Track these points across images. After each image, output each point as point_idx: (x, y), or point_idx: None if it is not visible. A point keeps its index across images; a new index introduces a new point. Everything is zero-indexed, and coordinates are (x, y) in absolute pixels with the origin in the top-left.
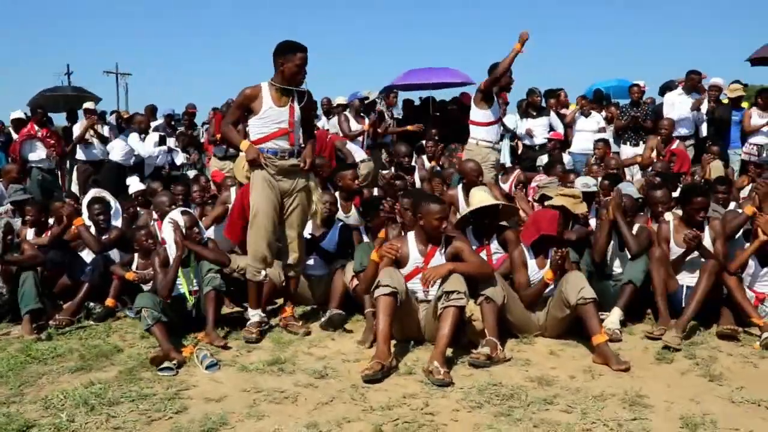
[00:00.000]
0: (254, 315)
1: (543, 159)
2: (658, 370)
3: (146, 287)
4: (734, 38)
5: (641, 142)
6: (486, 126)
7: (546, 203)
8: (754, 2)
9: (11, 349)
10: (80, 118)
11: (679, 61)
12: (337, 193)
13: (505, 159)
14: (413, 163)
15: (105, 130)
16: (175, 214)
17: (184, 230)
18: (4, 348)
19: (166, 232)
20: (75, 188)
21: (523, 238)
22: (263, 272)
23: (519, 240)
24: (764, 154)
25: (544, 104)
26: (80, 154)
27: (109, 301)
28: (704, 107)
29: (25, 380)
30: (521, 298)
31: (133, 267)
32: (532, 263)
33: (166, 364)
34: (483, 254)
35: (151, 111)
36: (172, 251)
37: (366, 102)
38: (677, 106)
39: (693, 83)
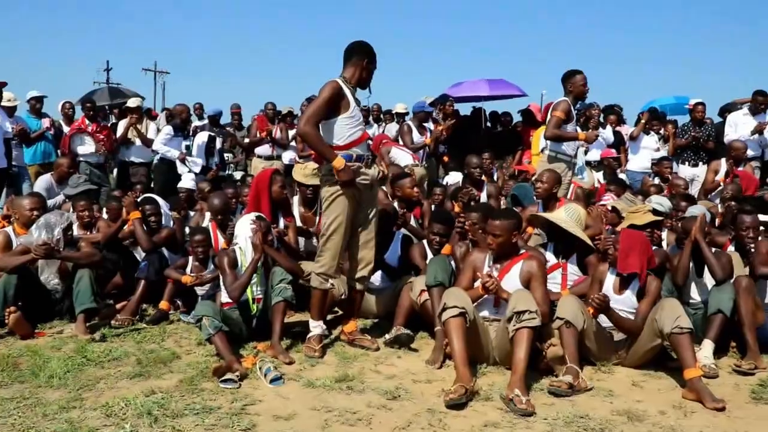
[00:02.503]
0: (316, 327)
1: (597, 176)
2: (757, 410)
3: (200, 291)
4: None
5: (700, 163)
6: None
7: (627, 225)
8: None
9: (66, 349)
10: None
11: (736, 80)
12: (395, 204)
13: (582, 174)
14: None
15: (151, 129)
16: (250, 218)
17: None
18: (59, 347)
19: (240, 233)
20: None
21: (625, 266)
22: (330, 281)
23: (598, 266)
24: None
25: (602, 119)
26: (123, 155)
27: (163, 304)
28: None
29: (84, 384)
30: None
31: (187, 270)
32: (608, 286)
33: (228, 375)
34: (558, 272)
35: (200, 109)
36: (248, 253)
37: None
38: (740, 127)
39: (757, 104)
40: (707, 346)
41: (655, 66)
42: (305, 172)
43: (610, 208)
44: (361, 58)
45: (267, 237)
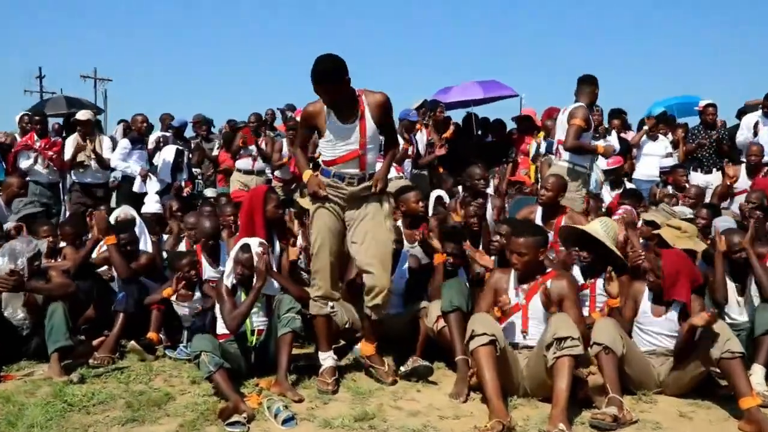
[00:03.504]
0: (326, 359)
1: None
2: None
3: (181, 310)
4: None
5: (714, 170)
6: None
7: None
8: None
9: (42, 393)
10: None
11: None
12: (399, 222)
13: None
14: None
15: (106, 145)
16: (253, 242)
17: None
18: (33, 392)
19: (233, 258)
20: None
21: (673, 293)
22: (330, 304)
23: (631, 284)
24: None
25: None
26: (78, 177)
27: (152, 335)
28: None
29: None
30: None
31: (173, 297)
32: (645, 307)
33: (235, 417)
34: (586, 293)
35: (169, 121)
36: (232, 278)
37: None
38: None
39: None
40: (758, 372)
41: (661, 65)
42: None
43: (642, 221)
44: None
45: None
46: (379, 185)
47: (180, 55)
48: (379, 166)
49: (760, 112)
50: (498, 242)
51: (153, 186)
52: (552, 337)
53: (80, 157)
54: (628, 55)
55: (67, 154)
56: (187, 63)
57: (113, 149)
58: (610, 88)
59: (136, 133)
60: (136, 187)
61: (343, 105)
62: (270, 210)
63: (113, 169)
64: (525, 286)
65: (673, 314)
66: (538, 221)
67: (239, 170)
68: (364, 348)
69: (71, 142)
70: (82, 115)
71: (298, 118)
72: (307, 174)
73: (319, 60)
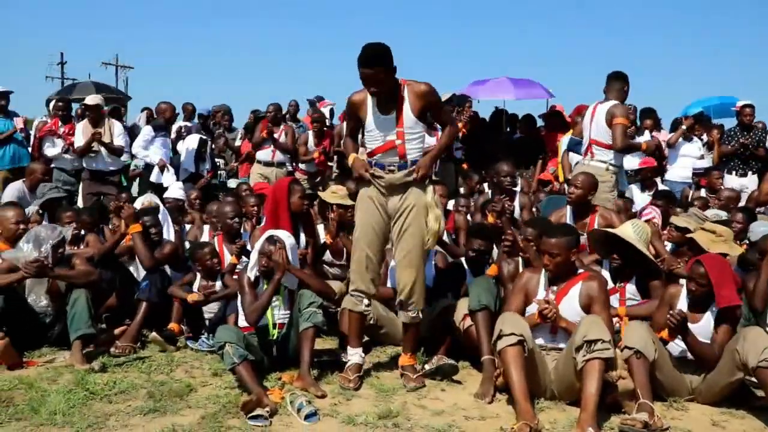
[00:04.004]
0: (354, 355)
1: (632, 188)
2: None
3: (208, 313)
4: None
5: (750, 173)
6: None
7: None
8: None
9: (64, 381)
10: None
11: None
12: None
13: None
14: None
15: (117, 130)
16: (280, 233)
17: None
18: (55, 379)
19: (256, 248)
20: (80, 202)
21: (724, 299)
22: (365, 301)
23: (665, 288)
24: None
25: (638, 124)
26: (87, 164)
27: (173, 326)
28: None
29: (92, 421)
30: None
31: (194, 287)
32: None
33: (258, 411)
34: (616, 297)
35: (192, 111)
36: (257, 270)
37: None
38: None
39: None
40: None
41: (697, 64)
42: (341, 193)
43: (658, 222)
44: None
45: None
46: (420, 172)
47: (203, 44)
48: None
49: None
50: (524, 243)
51: (169, 178)
52: (582, 339)
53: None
54: (661, 54)
55: (78, 141)
56: (211, 52)
57: (126, 136)
58: (641, 87)
59: (162, 119)
60: (153, 177)
61: (386, 93)
62: (294, 202)
63: (134, 157)
64: (555, 288)
65: (709, 319)
66: (569, 222)
67: (259, 162)
68: (401, 359)
69: (81, 129)
70: (91, 99)
71: (323, 109)
72: (352, 157)
73: (368, 45)
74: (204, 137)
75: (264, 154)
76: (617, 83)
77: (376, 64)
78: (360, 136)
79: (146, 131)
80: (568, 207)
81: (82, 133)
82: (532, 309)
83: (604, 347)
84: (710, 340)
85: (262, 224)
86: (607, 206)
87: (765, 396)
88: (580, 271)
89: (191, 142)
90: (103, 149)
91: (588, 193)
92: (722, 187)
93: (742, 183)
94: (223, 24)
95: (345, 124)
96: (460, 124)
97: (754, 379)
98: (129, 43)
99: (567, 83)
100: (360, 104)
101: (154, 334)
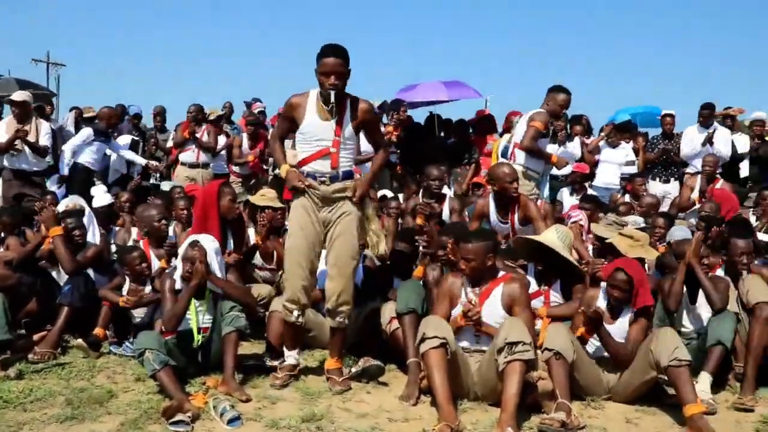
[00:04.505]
0: (289, 357)
1: (562, 191)
2: None
3: (136, 316)
4: None
5: (672, 179)
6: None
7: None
8: None
9: None
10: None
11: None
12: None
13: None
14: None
15: (44, 130)
16: (204, 238)
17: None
18: None
19: (180, 255)
20: None
21: (640, 300)
22: (296, 313)
23: (584, 292)
24: None
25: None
26: (10, 162)
27: (99, 331)
28: (744, 144)
29: (4, 431)
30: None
31: (123, 291)
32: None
33: (179, 416)
34: (540, 300)
35: (122, 111)
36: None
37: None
38: (694, 140)
39: (704, 118)
40: (705, 380)
41: (627, 74)
42: (270, 196)
43: (584, 224)
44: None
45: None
46: (358, 192)
47: (139, 43)
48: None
49: (697, 123)
50: (451, 250)
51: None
52: (504, 341)
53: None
54: (596, 62)
55: (0, 137)
56: (146, 52)
57: (51, 137)
58: (576, 94)
59: (104, 125)
60: None
61: (340, 92)
62: (224, 206)
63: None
64: (478, 290)
65: (624, 320)
66: (492, 214)
67: (183, 164)
68: (327, 363)
69: (5, 125)
70: (18, 96)
71: (257, 112)
72: (284, 169)
73: (332, 43)
74: (135, 138)
75: (188, 155)
76: (553, 94)
77: (342, 57)
78: (290, 142)
79: (87, 132)
80: (491, 197)
81: (5, 129)
82: (457, 312)
83: (525, 349)
84: (625, 340)
85: (190, 228)
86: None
87: (675, 394)
88: (502, 273)
89: (122, 142)
90: (27, 148)
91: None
92: (644, 193)
93: (665, 189)
94: (163, 24)
95: (276, 125)
96: (390, 128)
97: (665, 378)
98: (62, 40)
99: (507, 90)
100: (299, 106)
101: (79, 340)
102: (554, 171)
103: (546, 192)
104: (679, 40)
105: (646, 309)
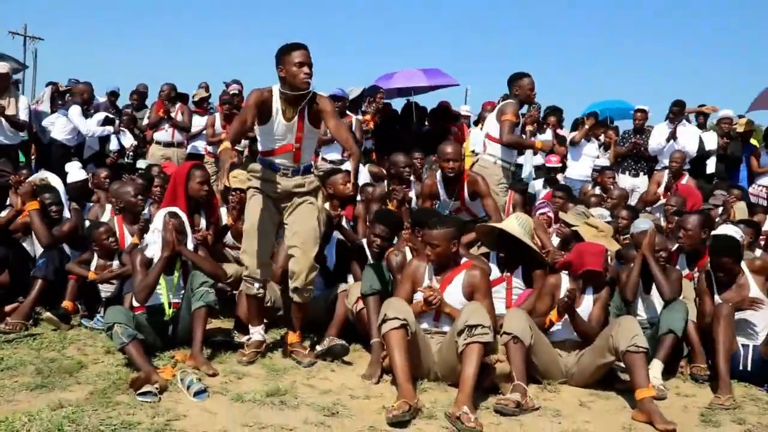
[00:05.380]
0: (255, 333)
1: (535, 184)
2: None
3: (104, 293)
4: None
5: (641, 173)
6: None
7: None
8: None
9: None
10: None
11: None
12: (327, 204)
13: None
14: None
15: (22, 104)
16: (174, 213)
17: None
18: None
19: (155, 228)
20: None
21: (584, 263)
22: (257, 285)
23: (545, 276)
24: None
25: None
26: None
27: (67, 304)
28: (713, 141)
29: None
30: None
31: (92, 267)
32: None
33: (146, 388)
34: (503, 286)
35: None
36: (154, 250)
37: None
38: (662, 136)
39: (674, 115)
40: (656, 367)
41: (599, 67)
42: (242, 177)
43: (551, 216)
44: (277, 69)
45: (183, 237)
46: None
47: (120, 20)
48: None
49: (667, 121)
50: (408, 234)
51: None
52: (464, 324)
53: None
54: (569, 55)
55: None
56: (127, 28)
57: (28, 111)
58: (547, 86)
59: (80, 100)
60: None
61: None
62: (193, 187)
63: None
64: (440, 277)
65: (587, 304)
66: (441, 192)
67: (158, 143)
68: (289, 337)
69: None
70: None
71: (232, 93)
72: (223, 145)
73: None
74: (111, 116)
75: (162, 134)
76: (515, 83)
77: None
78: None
79: (77, 111)
80: (438, 175)
81: None
82: (420, 296)
83: (484, 332)
84: (587, 319)
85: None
86: (497, 199)
87: (629, 379)
88: (464, 260)
89: (97, 119)
90: (4, 121)
91: (462, 162)
92: (613, 186)
93: (634, 183)
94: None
95: (242, 110)
96: (368, 116)
97: (621, 364)
98: (39, 14)
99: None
100: (267, 102)
101: (47, 313)
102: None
103: (525, 174)
104: (657, 38)
105: (599, 284)
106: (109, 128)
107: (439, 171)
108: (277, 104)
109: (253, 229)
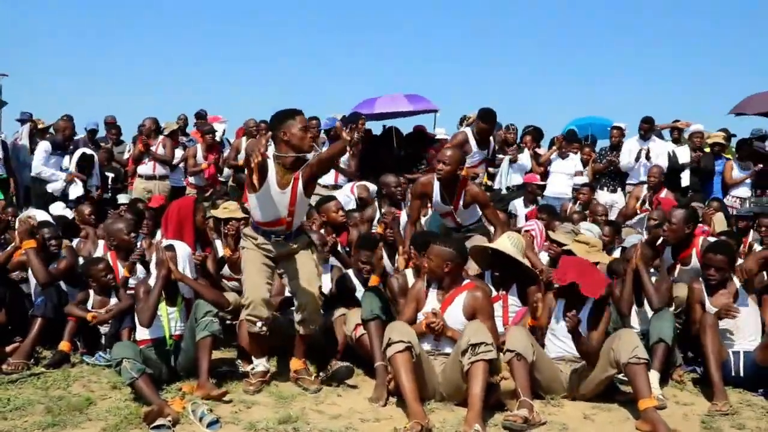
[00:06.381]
0: (258, 364)
1: (515, 203)
2: None
3: (103, 329)
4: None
5: (619, 189)
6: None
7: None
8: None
9: None
10: None
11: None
12: (322, 232)
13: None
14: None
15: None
16: (177, 244)
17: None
18: None
19: (155, 261)
20: None
21: (591, 291)
22: (259, 323)
23: (544, 296)
24: (747, 206)
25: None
26: None
27: (64, 345)
28: (686, 155)
29: None
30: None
31: (89, 305)
32: (559, 315)
33: (160, 421)
34: (499, 304)
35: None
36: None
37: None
38: (633, 153)
39: (644, 131)
40: (654, 377)
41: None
42: (233, 208)
43: (535, 234)
44: (276, 134)
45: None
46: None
47: (86, 53)
48: None
49: (637, 135)
50: (414, 256)
51: (76, 190)
52: (467, 343)
53: None
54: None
55: None
56: (95, 62)
57: (3, 148)
58: (527, 105)
59: (61, 137)
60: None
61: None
62: (200, 220)
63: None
64: (441, 297)
65: (582, 321)
66: (436, 194)
67: (141, 176)
68: (293, 364)
69: None
70: None
71: (216, 125)
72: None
73: None
74: (89, 152)
75: (145, 168)
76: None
77: None
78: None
79: (44, 147)
80: (436, 182)
81: None
82: (421, 318)
83: (487, 349)
84: (586, 334)
85: (159, 237)
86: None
87: (631, 390)
88: (466, 281)
89: (75, 156)
90: None
91: (456, 168)
92: (593, 201)
93: (613, 198)
94: (114, 33)
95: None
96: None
97: (621, 377)
98: (3, 49)
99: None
100: (265, 168)
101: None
102: (510, 182)
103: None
104: (636, 54)
105: (600, 302)
106: (61, 175)
107: (437, 173)
108: (272, 169)
109: (252, 270)
